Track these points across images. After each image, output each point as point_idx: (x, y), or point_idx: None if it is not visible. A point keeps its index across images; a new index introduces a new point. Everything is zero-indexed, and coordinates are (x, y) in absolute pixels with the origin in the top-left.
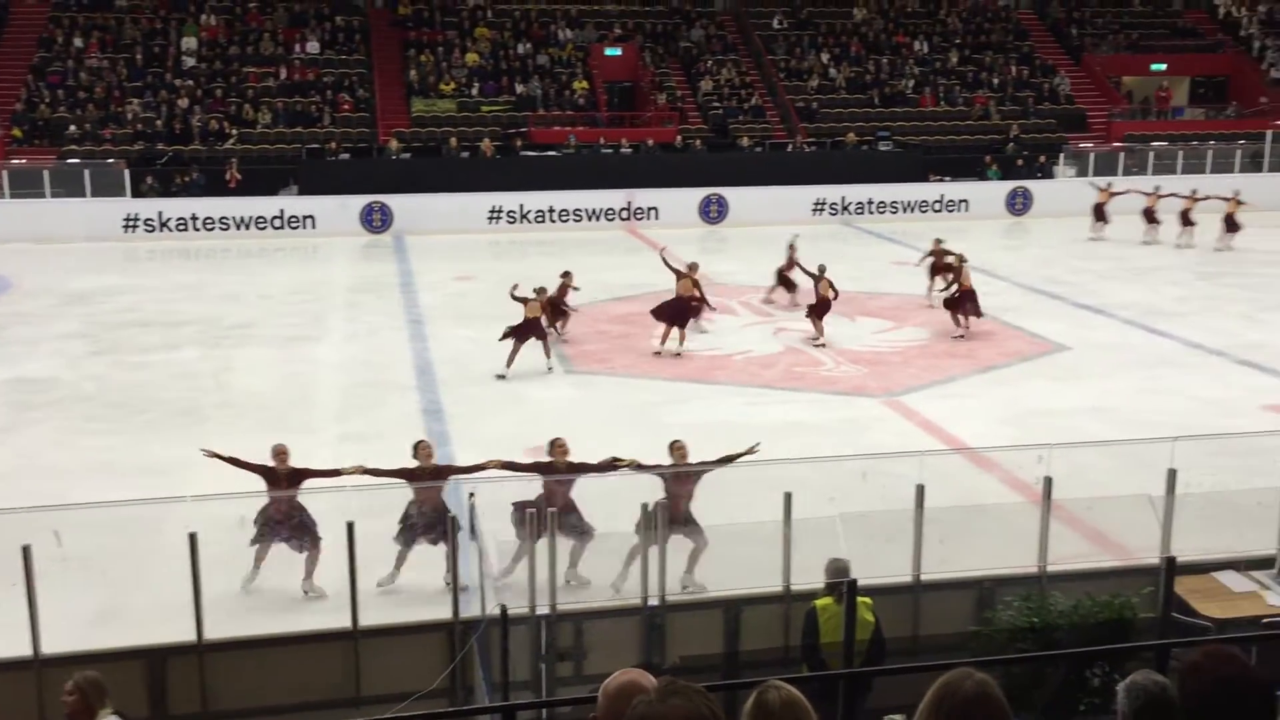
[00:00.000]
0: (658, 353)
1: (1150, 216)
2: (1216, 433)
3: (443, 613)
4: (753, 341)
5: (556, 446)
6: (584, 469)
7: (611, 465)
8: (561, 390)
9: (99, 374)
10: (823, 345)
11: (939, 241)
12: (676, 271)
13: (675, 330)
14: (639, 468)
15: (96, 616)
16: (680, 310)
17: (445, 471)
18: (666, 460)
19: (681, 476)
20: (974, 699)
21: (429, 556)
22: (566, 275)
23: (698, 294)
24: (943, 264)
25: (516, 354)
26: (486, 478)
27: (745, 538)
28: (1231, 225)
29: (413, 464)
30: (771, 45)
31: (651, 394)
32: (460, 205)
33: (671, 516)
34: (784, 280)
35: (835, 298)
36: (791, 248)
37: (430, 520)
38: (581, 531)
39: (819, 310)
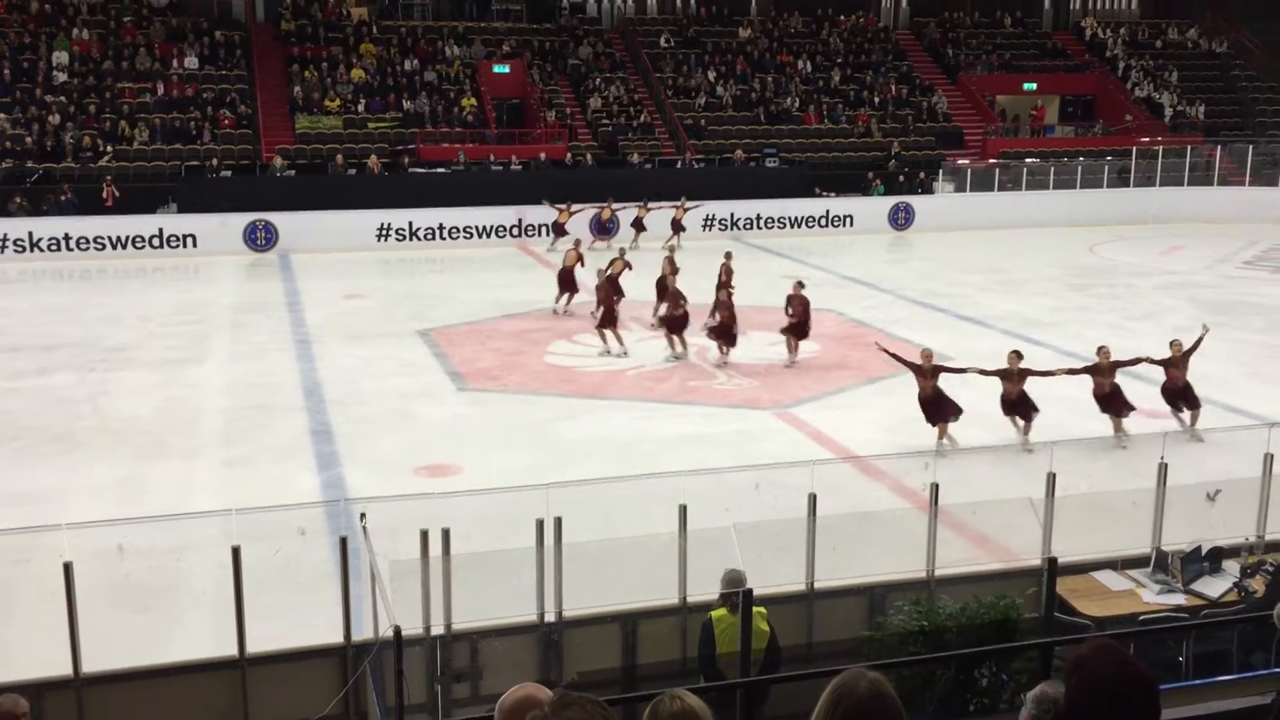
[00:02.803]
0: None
1: (601, 228)
2: (1092, 436)
3: (334, 637)
4: (645, 356)
5: (1101, 352)
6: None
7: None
8: (454, 408)
9: None
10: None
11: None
12: None
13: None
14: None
15: None
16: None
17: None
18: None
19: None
20: (869, 698)
21: (320, 576)
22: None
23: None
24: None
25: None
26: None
27: (641, 551)
28: (677, 227)
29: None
30: (659, 63)
31: (544, 410)
32: (347, 223)
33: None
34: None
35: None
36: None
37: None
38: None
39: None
